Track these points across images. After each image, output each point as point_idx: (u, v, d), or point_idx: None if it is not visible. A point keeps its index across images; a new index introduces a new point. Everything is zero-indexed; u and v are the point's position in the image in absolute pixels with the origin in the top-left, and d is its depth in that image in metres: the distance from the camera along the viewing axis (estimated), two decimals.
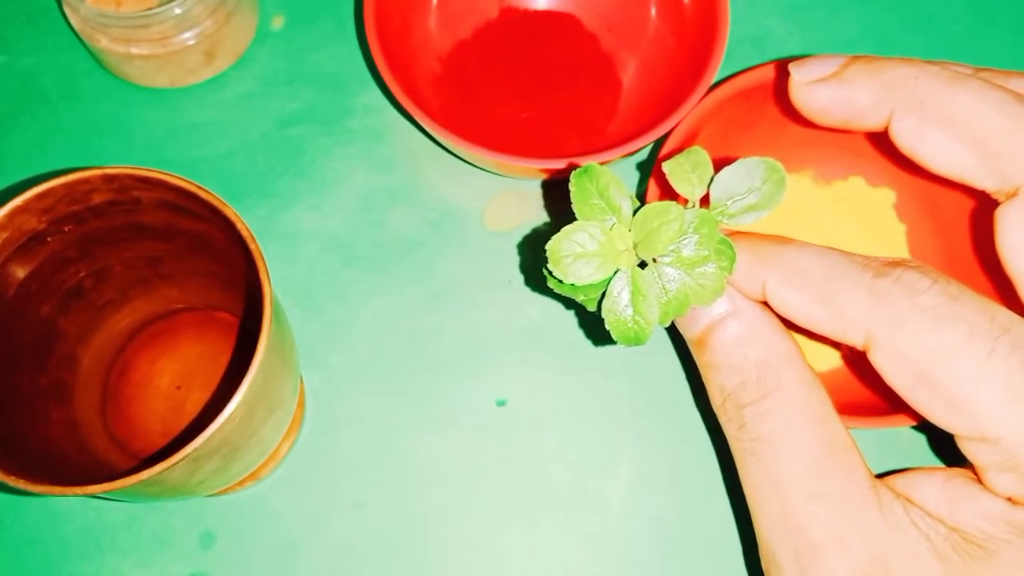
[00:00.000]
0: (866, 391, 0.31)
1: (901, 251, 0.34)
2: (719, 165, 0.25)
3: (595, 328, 0.35)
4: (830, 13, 0.41)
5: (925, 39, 0.40)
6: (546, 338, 0.35)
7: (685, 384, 0.35)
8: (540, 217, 0.37)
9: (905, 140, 0.26)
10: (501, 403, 0.34)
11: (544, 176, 0.35)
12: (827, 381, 0.28)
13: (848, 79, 0.26)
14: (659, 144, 0.32)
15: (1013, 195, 0.24)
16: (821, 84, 0.27)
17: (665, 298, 0.24)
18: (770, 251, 0.25)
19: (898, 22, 0.41)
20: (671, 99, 0.34)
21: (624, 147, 0.32)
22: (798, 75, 0.27)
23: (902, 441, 0.34)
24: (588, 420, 0.34)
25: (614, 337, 0.24)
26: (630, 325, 0.24)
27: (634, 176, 0.38)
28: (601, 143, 0.37)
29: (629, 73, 0.38)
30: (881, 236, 0.34)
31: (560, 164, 0.32)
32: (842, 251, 0.25)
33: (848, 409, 0.29)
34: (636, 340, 0.24)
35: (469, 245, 0.37)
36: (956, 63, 0.28)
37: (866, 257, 0.24)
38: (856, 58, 0.27)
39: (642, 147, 0.32)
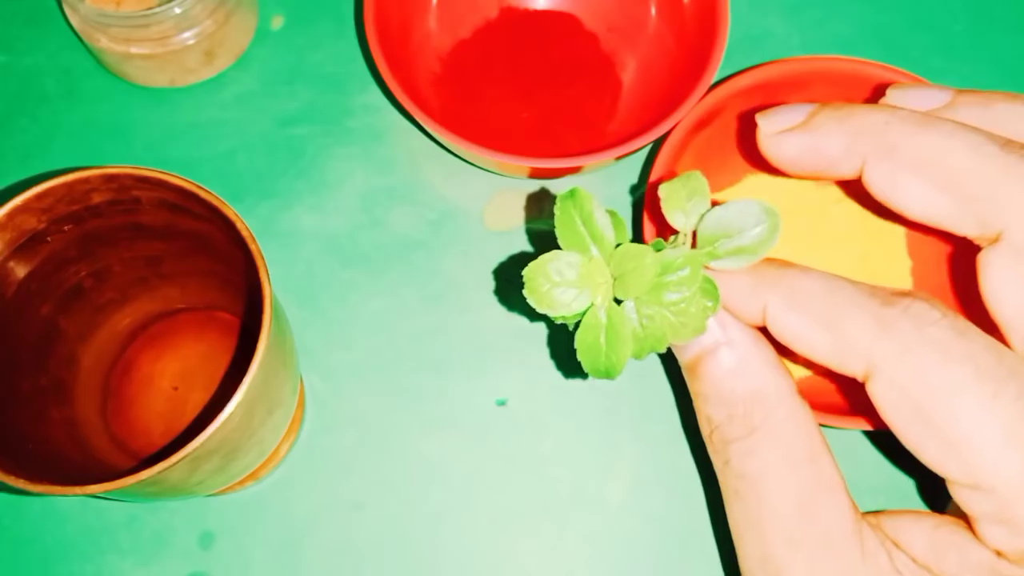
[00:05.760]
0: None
1: (900, 254, 0.34)
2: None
3: None
4: (830, 13, 0.41)
5: (925, 39, 0.40)
6: (546, 338, 0.35)
7: (684, 386, 0.35)
8: (540, 217, 0.37)
9: (879, 187, 0.25)
10: (501, 403, 0.34)
11: (544, 176, 0.35)
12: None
13: (816, 127, 0.25)
14: (658, 144, 0.32)
15: (995, 240, 0.23)
16: (789, 134, 0.26)
17: (642, 334, 0.23)
18: (773, 273, 0.24)
19: (898, 22, 0.41)
20: (671, 99, 0.34)
21: (624, 147, 0.32)
22: (766, 126, 0.26)
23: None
24: (588, 420, 0.34)
25: (585, 369, 0.23)
26: (602, 359, 0.23)
27: (634, 176, 0.38)
28: (601, 143, 0.37)
29: (629, 73, 0.38)
30: (880, 238, 0.34)
31: (561, 164, 0.32)
32: (846, 278, 0.24)
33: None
34: (607, 374, 0.23)
35: (469, 245, 0.37)
36: (937, 85, 0.27)
37: (872, 285, 0.23)
38: (824, 106, 0.26)
39: (642, 147, 0.32)
